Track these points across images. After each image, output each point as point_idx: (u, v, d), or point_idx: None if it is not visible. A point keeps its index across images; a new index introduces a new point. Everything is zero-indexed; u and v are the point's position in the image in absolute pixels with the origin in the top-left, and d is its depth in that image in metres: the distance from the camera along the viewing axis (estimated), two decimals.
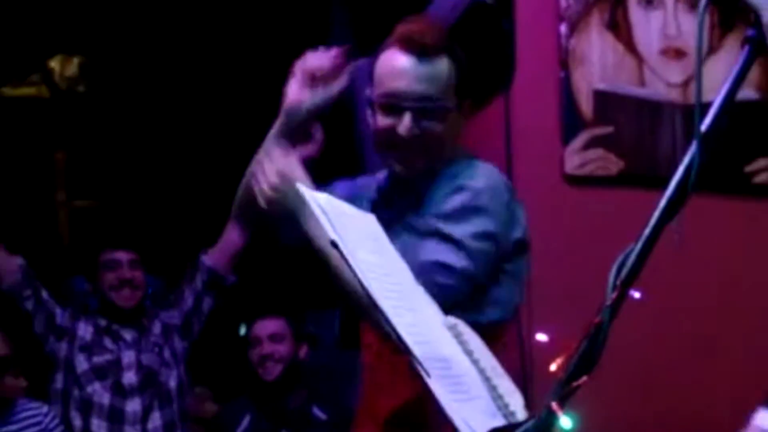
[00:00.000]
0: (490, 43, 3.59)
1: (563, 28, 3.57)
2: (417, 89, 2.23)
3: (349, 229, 1.73)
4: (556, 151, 3.56)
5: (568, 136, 3.57)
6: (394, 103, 2.23)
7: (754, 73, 3.74)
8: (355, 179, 2.49)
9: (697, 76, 1.48)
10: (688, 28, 3.57)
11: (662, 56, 3.62)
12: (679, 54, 3.60)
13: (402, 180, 2.31)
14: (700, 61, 1.51)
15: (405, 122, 2.22)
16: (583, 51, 3.58)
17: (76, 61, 5.49)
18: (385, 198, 2.35)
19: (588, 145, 3.56)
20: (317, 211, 1.65)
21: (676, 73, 3.61)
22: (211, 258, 4.40)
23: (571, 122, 3.57)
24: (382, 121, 2.25)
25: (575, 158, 3.56)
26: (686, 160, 1.46)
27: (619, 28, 3.61)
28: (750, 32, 1.53)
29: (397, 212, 2.26)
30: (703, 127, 1.45)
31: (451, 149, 2.31)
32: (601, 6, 3.60)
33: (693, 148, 1.45)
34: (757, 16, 1.54)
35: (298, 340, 4.41)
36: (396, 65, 2.27)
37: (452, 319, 1.90)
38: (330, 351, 5.17)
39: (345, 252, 1.63)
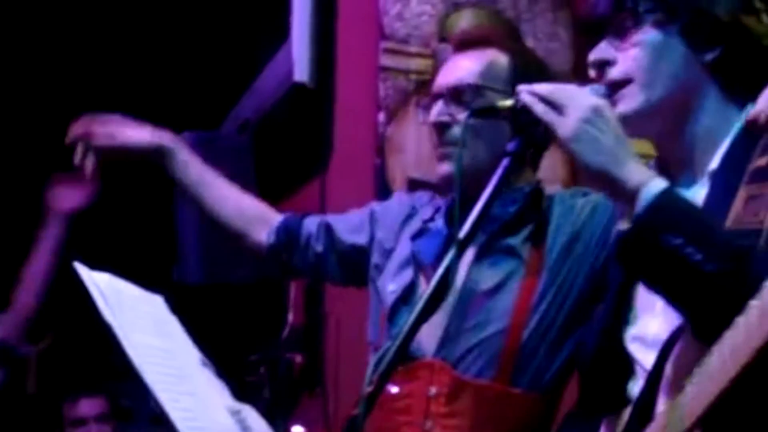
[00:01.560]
0: (309, 127, 3.67)
1: (381, 117, 3.68)
2: None
3: (127, 310, 1.75)
4: None
5: None
6: None
7: (562, 171, 3.92)
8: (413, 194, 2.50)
9: (456, 187, 1.57)
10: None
11: None
12: None
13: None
14: (460, 173, 1.60)
15: None
16: (399, 139, 3.68)
17: None
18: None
19: None
20: (94, 293, 1.66)
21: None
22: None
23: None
24: None
25: None
26: (445, 262, 1.54)
27: None
28: (510, 146, 1.62)
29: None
30: (462, 235, 1.54)
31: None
32: (418, 97, 3.73)
33: (451, 253, 1.53)
34: (522, 130, 1.65)
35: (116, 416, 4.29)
36: None
37: (237, 405, 1.94)
38: (146, 425, 5.09)
39: (119, 335, 1.65)
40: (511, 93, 2.04)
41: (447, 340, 2.14)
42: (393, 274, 2.31)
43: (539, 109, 1.57)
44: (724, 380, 1.32)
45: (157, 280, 2.35)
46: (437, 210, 2.35)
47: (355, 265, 2.46)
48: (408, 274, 2.28)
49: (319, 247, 2.48)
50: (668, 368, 1.52)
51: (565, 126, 1.55)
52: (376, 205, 2.53)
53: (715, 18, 1.69)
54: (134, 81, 4.38)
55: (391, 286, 2.30)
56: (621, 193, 1.54)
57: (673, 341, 1.52)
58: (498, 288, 2.16)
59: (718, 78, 1.71)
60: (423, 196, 2.46)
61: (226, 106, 4.15)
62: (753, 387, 1.33)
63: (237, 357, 3.71)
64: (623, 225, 1.55)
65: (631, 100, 1.70)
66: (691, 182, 1.70)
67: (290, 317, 3.75)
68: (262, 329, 3.98)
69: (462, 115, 2.18)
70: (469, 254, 2.19)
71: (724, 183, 1.61)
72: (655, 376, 1.54)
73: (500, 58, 2.28)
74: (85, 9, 4.30)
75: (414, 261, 2.29)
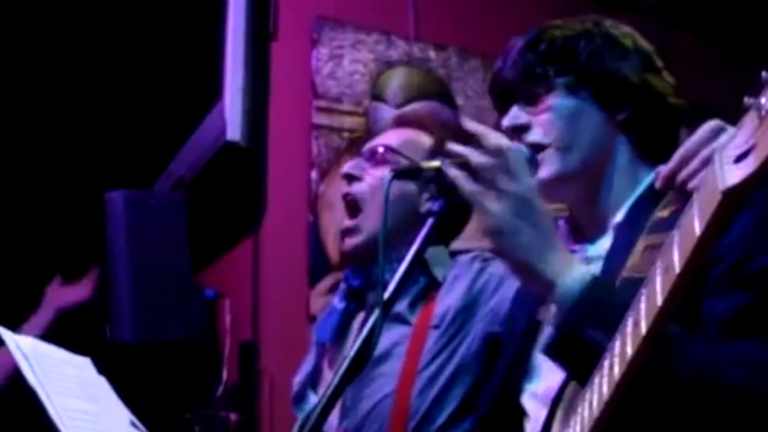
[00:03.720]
0: (242, 185, 3.68)
1: (314, 174, 3.70)
2: None
3: (53, 374, 1.74)
4: (302, 293, 3.64)
5: (314, 278, 3.66)
6: None
7: None
8: None
9: (381, 245, 1.58)
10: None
11: None
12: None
13: None
14: (386, 232, 1.62)
15: None
16: (332, 196, 3.70)
17: None
18: None
19: (333, 288, 3.65)
20: (18, 357, 1.65)
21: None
22: None
23: (318, 265, 3.67)
24: None
25: (321, 300, 3.65)
26: (369, 324, 1.56)
27: None
28: (435, 206, 1.65)
29: None
30: (386, 296, 1.55)
31: None
32: (351, 155, 3.75)
33: (375, 315, 1.55)
34: (446, 191, 1.67)
35: None
36: None
37: None
38: None
39: (44, 399, 1.64)
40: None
41: (345, 410, 2.19)
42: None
43: (463, 182, 1.55)
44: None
45: (89, 339, 2.34)
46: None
47: None
48: (310, 362, 2.37)
49: None
50: (557, 418, 1.55)
51: (489, 215, 1.52)
52: None
53: (624, 79, 1.74)
54: (65, 138, 4.36)
55: (296, 378, 2.42)
56: (539, 284, 1.53)
57: (561, 394, 1.55)
58: (387, 355, 2.22)
59: (629, 137, 1.75)
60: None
61: (159, 165, 4.14)
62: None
63: (171, 415, 3.68)
64: (543, 316, 1.57)
65: (550, 166, 1.73)
66: (598, 236, 1.74)
67: (224, 375, 3.72)
68: (196, 387, 3.95)
69: (372, 172, 2.28)
70: (356, 326, 2.26)
71: (626, 234, 1.65)
72: (546, 428, 1.57)
73: (423, 138, 2.40)
74: (20, 65, 4.29)
75: (315, 345, 2.36)
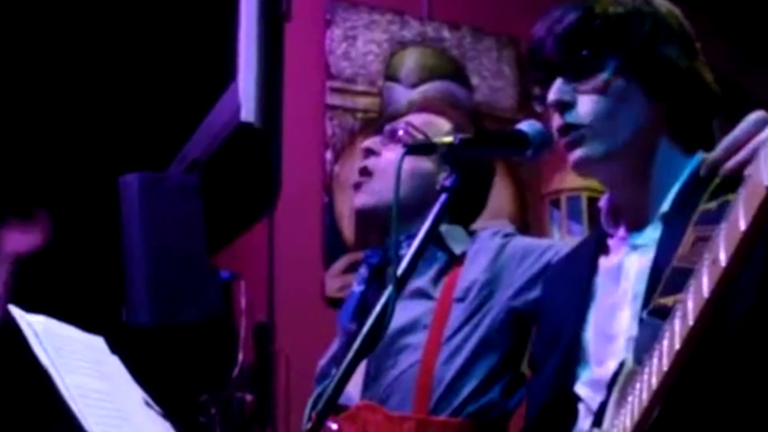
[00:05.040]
0: (256, 166, 3.67)
1: (328, 155, 3.69)
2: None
3: (65, 353, 1.73)
4: (317, 274, 3.64)
5: (329, 259, 3.65)
6: None
7: (509, 206, 3.95)
8: None
9: (393, 222, 1.57)
10: None
11: None
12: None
13: None
14: (398, 208, 1.61)
15: None
16: (346, 177, 3.69)
17: None
18: None
19: (348, 269, 3.65)
20: (29, 335, 1.65)
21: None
22: None
23: (333, 246, 3.66)
24: None
25: (336, 281, 3.65)
26: (383, 300, 1.55)
27: None
28: (448, 181, 1.64)
29: None
30: (399, 272, 1.55)
31: None
32: (365, 135, 3.74)
33: (389, 290, 1.54)
34: (459, 166, 1.66)
35: None
36: None
37: None
38: None
39: (55, 378, 1.63)
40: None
41: (369, 382, 2.20)
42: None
43: None
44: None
45: (106, 321, 2.33)
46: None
47: None
48: (335, 346, 2.40)
49: None
50: (610, 405, 1.54)
51: None
52: None
53: (674, 67, 1.70)
54: (80, 121, 4.36)
55: (321, 361, 2.44)
56: None
57: (615, 379, 1.54)
58: (412, 327, 2.22)
59: (671, 123, 1.72)
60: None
61: (173, 147, 4.14)
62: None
63: (187, 398, 3.69)
64: None
65: (591, 146, 1.69)
66: (642, 225, 1.72)
67: (240, 356, 3.73)
68: (212, 369, 3.95)
69: (391, 148, 2.28)
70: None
71: (675, 225, 1.63)
72: (600, 413, 1.56)
73: (442, 122, 2.40)
74: (35, 46, 4.29)
75: (340, 330, 2.38)
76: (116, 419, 1.81)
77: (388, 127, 2.43)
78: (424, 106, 2.58)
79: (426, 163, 2.32)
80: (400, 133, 2.38)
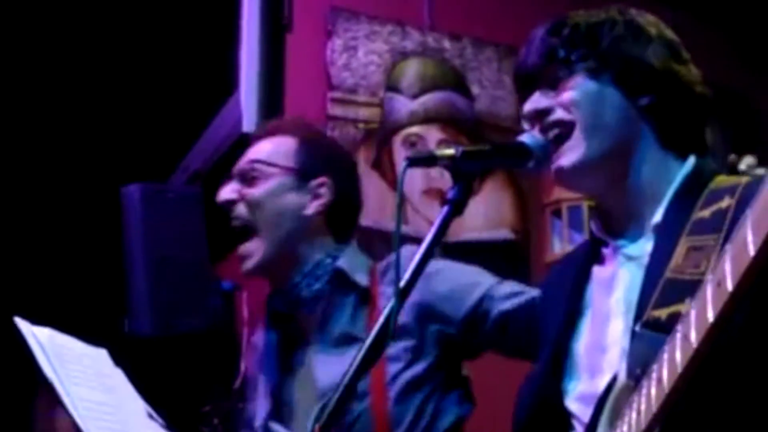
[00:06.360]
0: None
1: None
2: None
3: (69, 365, 1.74)
4: None
5: None
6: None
7: (510, 216, 3.96)
8: None
9: (396, 231, 1.58)
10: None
11: (424, 196, 3.79)
12: (439, 194, 3.77)
13: None
14: (400, 218, 1.61)
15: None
16: None
17: None
18: None
19: None
20: (35, 347, 1.65)
21: (437, 212, 3.76)
22: None
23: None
24: None
25: None
26: (386, 311, 1.56)
27: (384, 167, 3.77)
28: (450, 193, 1.64)
29: None
30: (402, 284, 1.55)
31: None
32: (366, 146, 3.76)
33: (392, 302, 1.54)
34: (461, 178, 1.67)
35: None
36: None
37: None
38: None
39: (60, 390, 1.64)
40: (296, 170, 2.19)
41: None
42: None
43: None
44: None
45: (108, 332, 2.33)
46: None
47: None
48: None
49: None
50: (603, 418, 1.54)
51: None
52: None
53: (647, 65, 1.72)
54: (82, 132, 4.37)
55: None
56: None
57: (607, 394, 1.54)
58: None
59: (653, 125, 1.73)
60: None
61: (175, 158, 4.15)
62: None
63: (190, 409, 3.68)
64: None
65: (574, 152, 1.70)
66: (636, 236, 1.71)
67: (243, 366, 3.73)
68: (215, 379, 3.95)
69: (246, 190, 2.30)
70: (311, 356, 2.24)
71: (667, 235, 1.62)
72: (592, 426, 1.55)
73: (286, 141, 2.37)
74: (41, 58, 4.30)
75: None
76: (120, 431, 1.81)
77: (236, 170, 2.38)
78: (268, 131, 2.50)
79: (291, 197, 2.31)
80: (249, 169, 2.34)
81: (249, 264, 2.31)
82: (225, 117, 3.74)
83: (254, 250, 2.31)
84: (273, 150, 2.35)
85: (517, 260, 3.86)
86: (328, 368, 2.19)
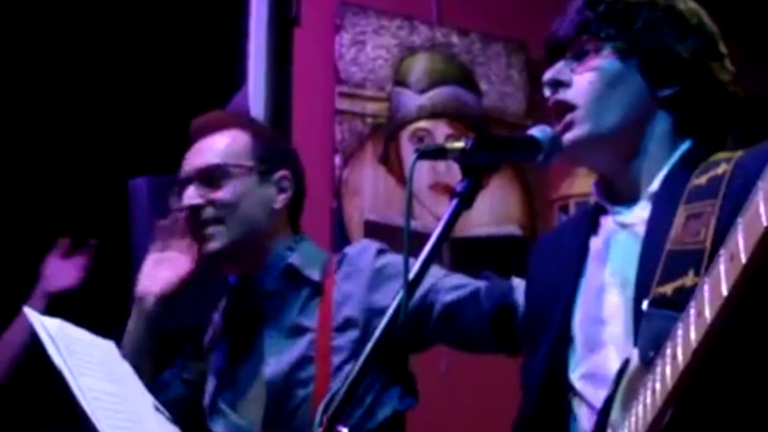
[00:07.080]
0: None
1: (337, 160, 3.70)
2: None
3: (78, 356, 1.74)
4: None
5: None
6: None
7: (517, 211, 3.96)
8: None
9: (406, 227, 1.58)
10: (456, 165, 3.76)
11: (431, 191, 3.80)
12: (447, 189, 3.78)
13: None
14: (409, 212, 1.61)
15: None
16: (355, 182, 3.71)
17: None
18: None
19: None
20: (44, 338, 1.66)
21: (444, 206, 3.75)
22: None
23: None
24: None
25: None
26: (394, 304, 1.56)
27: (391, 162, 3.77)
28: (459, 187, 1.64)
29: None
30: (411, 276, 1.55)
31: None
32: (374, 140, 3.76)
33: (401, 295, 1.54)
34: (470, 171, 1.67)
35: None
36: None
37: None
38: None
39: (69, 380, 1.64)
40: (257, 166, 2.21)
41: (268, 420, 2.20)
42: None
43: None
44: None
45: (113, 327, 2.34)
46: None
47: None
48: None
49: None
50: (617, 402, 1.53)
51: None
52: None
53: (676, 56, 1.70)
54: (90, 125, 4.38)
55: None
56: None
57: (620, 376, 1.53)
58: (300, 362, 2.22)
59: (673, 114, 1.71)
60: None
61: (181, 151, 4.14)
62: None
63: (195, 403, 3.68)
64: None
65: (581, 127, 1.70)
66: (632, 202, 1.71)
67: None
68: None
69: (214, 194, 2.28)
70: (261, 343, 2.26)
71: (665, 203, 1.62)
72: (605, 410, 1.55)
73: (240, 137, 2.36)
74: (46, 51, 4.30)
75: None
76: (128, 422, 1.82)
77: (192, 172, 2.38)
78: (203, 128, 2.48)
79: (264, 189, 2.32)
80: (210, 172, 2.33)
81: (213, 246, 2.29)
82: (233, 110, 3.73)
83: (220, 233, 2.30)
84: (230, 148, 2.35)
85: (524, 256, 3.85)
86: (276, 356, 2.23)
